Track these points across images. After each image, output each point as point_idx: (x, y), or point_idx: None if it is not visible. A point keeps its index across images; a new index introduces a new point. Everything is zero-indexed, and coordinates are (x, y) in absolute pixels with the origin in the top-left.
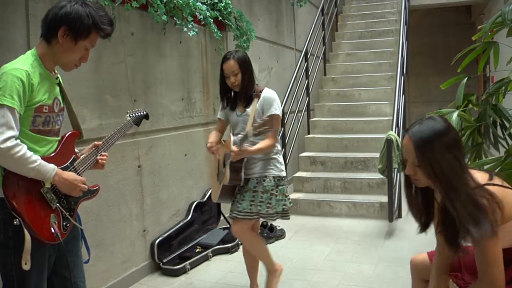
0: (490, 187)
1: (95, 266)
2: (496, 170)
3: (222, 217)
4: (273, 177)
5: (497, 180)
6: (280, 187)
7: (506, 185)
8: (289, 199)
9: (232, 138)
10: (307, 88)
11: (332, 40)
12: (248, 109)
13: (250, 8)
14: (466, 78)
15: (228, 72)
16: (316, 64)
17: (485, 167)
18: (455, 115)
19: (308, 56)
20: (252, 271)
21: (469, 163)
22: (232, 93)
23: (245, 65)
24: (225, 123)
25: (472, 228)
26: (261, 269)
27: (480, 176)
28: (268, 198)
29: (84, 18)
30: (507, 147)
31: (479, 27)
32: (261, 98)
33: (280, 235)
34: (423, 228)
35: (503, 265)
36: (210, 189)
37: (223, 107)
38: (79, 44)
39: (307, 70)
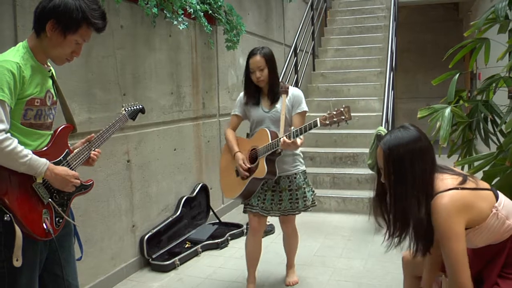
0: (454, 192)
1: (84, 262)
2: (488, 166)
3: (211, 213)
4: (301, 172)
5: (470, 184)
6: (306, 180)
7: (482, 186)
8: (312, 188)
9: (291, 129)
10: (297, 83)
11: (321, 35)
12: (277, 105)
13: (240, 2)
14: (458, 74)
15: (254, 67)
16: (305, 59)
17: (477, 163)
18: (447, 110)
19: (298, 51)
20: (252, 264)
21: (460, 159)
22: (253, 90)
23: (271, 61)
24: (241, 119)
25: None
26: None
27: (451, 182)
28: (303, 193)
29: (73, 12)
30: (498, 143)
31: (472, 23)
32: (290, 95)
33: (270, 230)
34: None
35: (467, 261)
36: (200, 184)
37: (245, 102)
38: (69, 39)
39: (296, 65)
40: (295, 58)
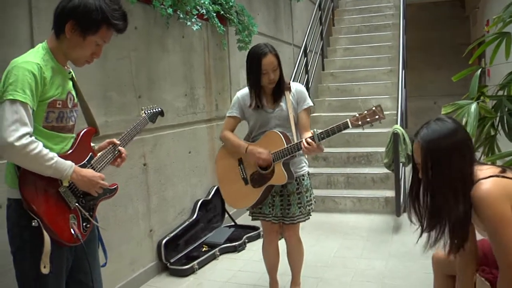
0: (496, 178)
1: (103, 268)
2: None
3: (226, 215)
4: (307, 174)
5: (509, 174)
6: (311, 182)
7: None
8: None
9: (311, 132)
10: (307, 83)
11: (329, 35)
12: (282, 104)
13: (250, 3)
14: (479, 70)
15: (268, 68)
16: (314, 59)
17: (508, 158)
18: (474, 106)
19: (308, 52)
20: (273, 270)
21: (483, 157)
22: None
23: (279, 59)
24: (239, 121)
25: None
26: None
27: (491, 171)
28: (310, 196)
29: (93, 12)
30: None
31: (494, 17)
32: (293, 91)
33: None
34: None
35: None
36: (215, 186)
37: (249, 105)
38: (89, 40)
39: (306, 65)
40: (305, 58)
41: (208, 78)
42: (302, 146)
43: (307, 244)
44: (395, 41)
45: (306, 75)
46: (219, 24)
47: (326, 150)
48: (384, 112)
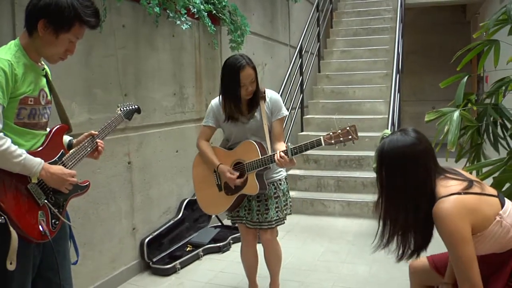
0: (458, 196)
1: (83, 266)
2: (499, 172)
3: (213, 216)
4: (285, 178)
5: (475, 189)
6: (288, 186)
7: (488, 192)
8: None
9: (285, 145)
10: (301, 85)
11: (326, 37)
12: (256, 114)
13: (245, 3)
14: (466, 77)
15: (246, 81)
16: (310, 60)
17: (486, 169)
18: (456, 114)
19: (303, 53)
20: (252, 272)
21: (468, 164)
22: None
23: (257, 71)
24: (214, 130)
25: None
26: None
27: (454, 188)
28: (287, 199)
29: (65, 10)
30: (508, 148)
31: (481, 24)
32: (267, 100)
33: None
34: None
35: (477, 264)
36: None
37: (226, 118)
38: (62, 37)
39: (301, 66)
40: (300, 59)
41: (198, 78)
42: (276, 159)
43: (292, 246)
44: (393, 45)
45: (301, 77)
46: (209, 23)
47: (317, 152)
48: (378, 116)
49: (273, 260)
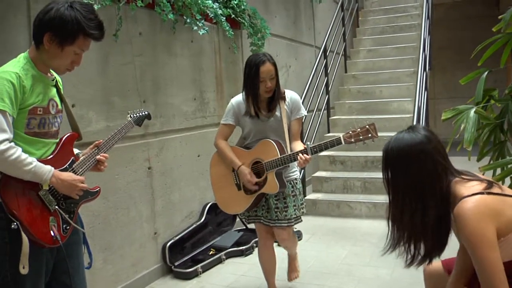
0: (482, 196)
1: (104, 269)
2: None
3: (237, 219)
4: (299, 178)
5: (496, 189)
6: (301, 185)
7: (508, 193)
8: None
9: (303, 145)
10: (327, 85)
11: (353, 36)
12: (277, 113)
13: (266, 5)
14: (486, 72)
15: (266, 76)
16: (336, 61)
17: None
18: (472, 112)
19: (328, 53)
20: (270, 275)
21: (491, 162)
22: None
23: (277, 69)
24: (233, 128)
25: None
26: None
27: (476, 187)
28: (302, 199)
29: (68, 23)
30: None
31: (499, 17)
32: (288, 100)
33: (297, 236)
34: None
35: (504, 273)
36: None
37: (245, 113)
38: (67, 50)
39: (326, 67)
40: (325, 60)
41: (219, 82)
42: (299, 158)
43: (316, 249)
44: (420, 42)
45: (326, 78)
46: (228, 28)
47: (344, 153)
48: (405, 115)
49: (293, 249)
